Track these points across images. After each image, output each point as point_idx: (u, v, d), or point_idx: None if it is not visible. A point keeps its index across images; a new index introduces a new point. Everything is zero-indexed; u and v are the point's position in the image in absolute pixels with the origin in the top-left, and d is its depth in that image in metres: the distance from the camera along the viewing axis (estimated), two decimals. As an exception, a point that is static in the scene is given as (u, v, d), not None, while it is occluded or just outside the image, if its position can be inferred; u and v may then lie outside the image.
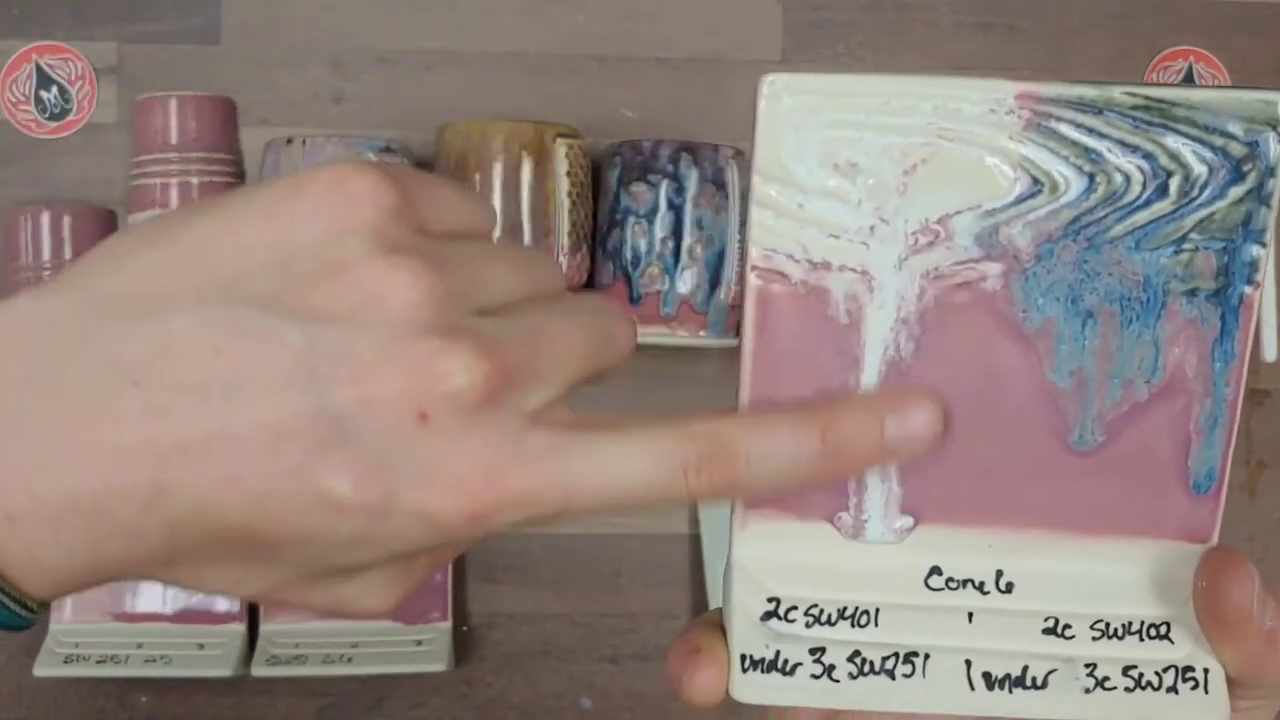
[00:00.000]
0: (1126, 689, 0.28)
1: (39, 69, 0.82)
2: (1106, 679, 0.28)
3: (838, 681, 0.28)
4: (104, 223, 0.81)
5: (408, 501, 0.24)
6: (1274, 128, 0.26)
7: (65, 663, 0.75)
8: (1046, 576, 0.29)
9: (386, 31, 0.84)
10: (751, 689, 0.28)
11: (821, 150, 0.27)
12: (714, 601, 0.81)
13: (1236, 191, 0.27)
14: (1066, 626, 0.28)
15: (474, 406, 0.24)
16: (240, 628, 0.78)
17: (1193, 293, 0.27)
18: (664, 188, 0.77)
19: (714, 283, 0.77)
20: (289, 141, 0.75)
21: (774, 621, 0.29)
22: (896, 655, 0.28)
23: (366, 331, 0.24)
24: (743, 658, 0.28)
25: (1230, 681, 0.28)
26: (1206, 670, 0.28)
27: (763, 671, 0.28)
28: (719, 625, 0.30)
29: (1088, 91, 0.27)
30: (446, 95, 0.84)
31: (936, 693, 0.28)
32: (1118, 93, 0.27)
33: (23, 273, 0.79)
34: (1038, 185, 0.27)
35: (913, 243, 0.28)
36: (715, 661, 0.29)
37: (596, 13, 0.86)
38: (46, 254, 0.79)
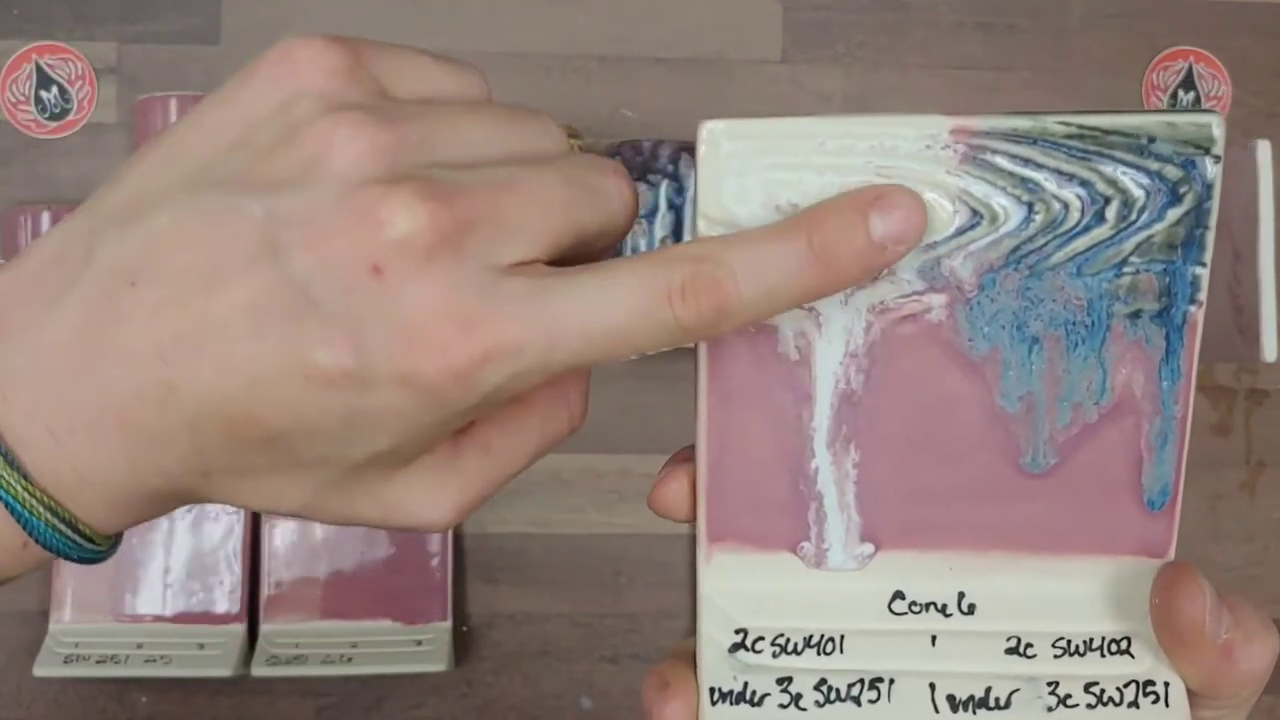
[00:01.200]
0: (1088, 705, 0.28)
1: (39, 69, 0.83)
2: (1069, 696, 0.28)
3: (804, 710, 0.28)
4: (104, 223, 0.81)
5: (384, 364, 0.24)
6: (1208, 150, 0.26)
7: (65, 663, 0.75)
8: (1008, 597, 0.29)
9: (386, 31, 0.84)
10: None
11: (763, 192, 0.27)
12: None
13: (1174, 213, 0.27)
14: (1029, 645, 0.29)
15: (425, 252, 0.23)
16: (240, 628, 0.78)
17: (1136, 314, 0.28)
18: (664, 188, 0.77)
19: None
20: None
21: (741, 652, 0.29)
22: (862, 681, 0.28)
23: (316, 190, 0.24)
24: (711, 690, 0.29)
25: (1190, 694, 0.28)
26: (1167, 684, 0.28)
27: (731, 703, 0.29)
28: (690, 657, 0.30)
29: (1021, 123, 0.27)
30: (446, 95, 0.84)
31: (901, 717, 0.28)
32: (1051, 123, 0.27)
33: (23, 273, 0.79)
34: (977, 217, 0.27)
35: None
36: (685, 694, 0.29)
37: (596, 13, 0.86)
38: (46, 254, 0.79)
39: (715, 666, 0.29)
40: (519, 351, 0.24)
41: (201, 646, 0.76)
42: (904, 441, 0.29)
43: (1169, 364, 0.28)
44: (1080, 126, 0.27)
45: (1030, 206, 0.27)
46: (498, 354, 0.24)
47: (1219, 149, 0.27)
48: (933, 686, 0.28)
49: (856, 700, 0.28)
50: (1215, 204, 0.27)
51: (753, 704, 0.28)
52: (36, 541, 0.25)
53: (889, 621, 0.29)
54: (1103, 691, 0.28)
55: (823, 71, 0.87)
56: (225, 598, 0.78)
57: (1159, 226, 0.27)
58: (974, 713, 0.28)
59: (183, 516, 0.80)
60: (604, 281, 0.25)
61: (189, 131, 0.26)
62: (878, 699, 0.28)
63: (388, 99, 0.26)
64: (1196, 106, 0.25)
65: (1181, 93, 0.90)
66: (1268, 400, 0.89)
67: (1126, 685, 0.28)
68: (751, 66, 0.87)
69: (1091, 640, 0.29)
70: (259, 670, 0.76)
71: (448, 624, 0.79)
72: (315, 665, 0.76)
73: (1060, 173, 0.27)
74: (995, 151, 0.27)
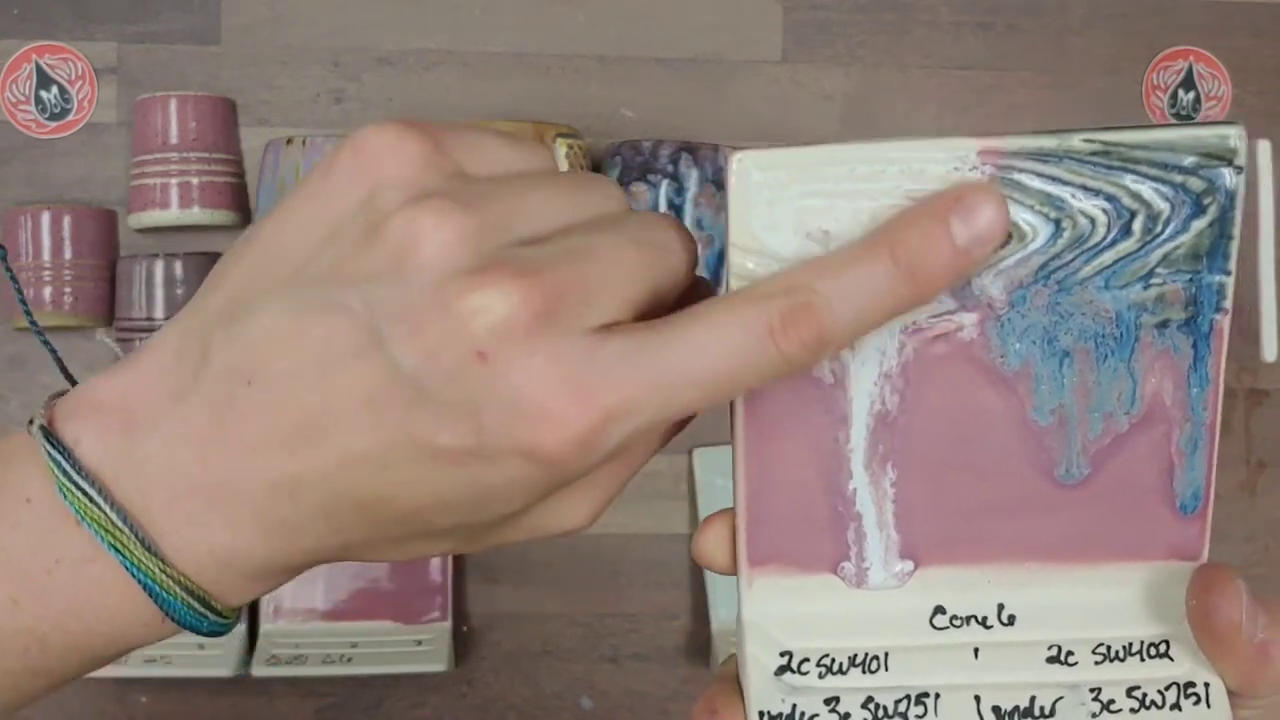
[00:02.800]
0: (1131, 710, 0.28)
1: (39, 69, 0.83)
2: (1111, 702, 0.28)
3: None
4: (104, 223, 0.81)
5: (505, 441, 0.24)
6: (1229, 161, 0.27)
7: (65, 663, 0.75)
8: (1047, 607, 0.30)
9: (386, 31, 0.84)
10: None
11: (794, 221, 0.28)
12: (714, 601, 0.81)
13: (1199, 224, 0.27)
14: (1069, 654, 0.29)
15: (525, 331, 0.24)
16: (240, 628, 0.78)
17: (1164, 324, 0.28)
18: (664, 188, 0.77)
19: (714, 283, 0.77)
20: (289, 141, 0.75)
21: (788, 675, 0.29)
22: (909, 697, 0.29)
23: (409, 282, 0.24)
24: (761, 714, 0.29)
25: (1229, 693, 0.28)
26: (1207, 685, 0.28)
27: None
28: (735, 682, 0.30)
29: (1047, 142, 0.27)
30: (446, 95, 0.84)
31: None
32: (1076, 141, 0.27)
33: (23, 273, 0.79)
34: (1006, 235, 0.28)
35: None
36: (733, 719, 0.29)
37: (596, 13, 0.86)
38: (46, 254, 0.79)
39: (762, 690, 0.29)
40: (635, 411, 0.24)
41: (201, 646, 0.76)
42: (940, 458, 0.29)
43: (1197, 371, 0.28)
44: (1104, 143, 0.27)
45: (1058, 223, 0.28)
46: (616, 416, 0.24)
47: (1240, 159, 0.27)
48: (978, 699, 0.29)
49: (904, 716, 0.29)
50: (1238, 213, 0.27)
51: None
52: (172, 620, 0.27)
53: (931, 636, 0.30)
54: (1144, 695, 0.28)
55: (823, 71, 0.87)
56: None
57: (1184, 238, 0.28)
58: (1027, 716, 0.28)
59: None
60: (704, 329, 0.25)
61: (278, 231, 0.27)
62: (925, 713, 0.28)
63: (463, 179, 0.26)
64: (1214, 118, 0.26)
65: (1181, 93, 0.90)
66: (1268, 400, 0.89)
67: (1168, 688, 0.28)
68: (751, 66, 0.87)
69: (1131, 645, 0.29)
70: (259, 670, 0.75)
71: (448, 624, 0.79)
72: (315, 665, 0.76)
73: (1086, 189, 0.27)
74: (1022, 170, 0.27)
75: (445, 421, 0.24)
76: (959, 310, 0.28)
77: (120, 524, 0.26)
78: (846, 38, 0.88)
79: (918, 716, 0.28)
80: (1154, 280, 0.28)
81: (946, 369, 0.29)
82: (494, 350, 0.24)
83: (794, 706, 0.29)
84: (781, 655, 0.30)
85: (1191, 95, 0.90)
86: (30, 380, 0.82)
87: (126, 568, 0.26)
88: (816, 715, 0.29)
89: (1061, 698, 0.28)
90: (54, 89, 0.83)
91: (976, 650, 0.29)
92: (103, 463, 0.26)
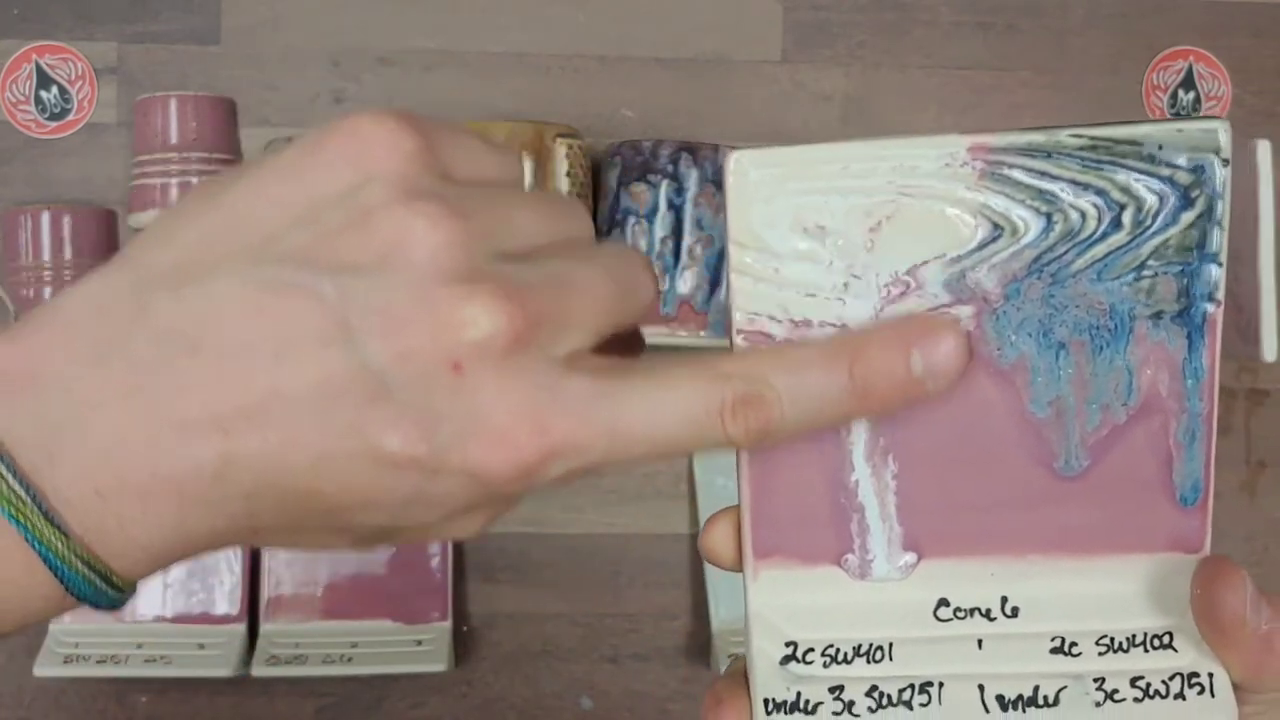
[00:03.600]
0: (1135, 699, 0.28)
1: (39, 69, 0.83)
2: (1115, 691, 0.28)
3: (858, 716, 0.29)
4: (104, 223, 0.81)
5: (455, 456, 0.24)
6: (1217, 153, 0.27)
7: (65, 663, 0.75)
8: (1050, 598, 0.30)
9: (386, 31, 0.84)
10: None
11: (791, 217, 0.29)
12: (714, 601, 0.81)
13: (1188, 217, 0.28)
14: (1073, 645, 0.29)
15: (503, 352, 0.24)
16: (240, 628, 0.78)
17: (1158, 315, 0.28)
18: (664, 188, 0.77)
19: (714, 283, 0.77)
20: (289, 141, 0.75)
21: (793, 664, 0.30)
22: (913, 686, 0.29)
23: (393, 280, 0.24)
24: (765, 701, 0.29)
25: (1234, 686, 0.28)
26: (1211, 675, 0.28)
27: (785, 713, 0.29)
28: (742, 675, 0.30)
29: (1036, 138, 0.28)
30: (446, 95, 0.85)
31: (954, 719, 0.29)
32: (1064, 136, 0.28)
33: (23, 272, 0.79)
34: (998, 230, 0.28)
35: (886, 294, 0.29)
36: (738, 708, 0.30)
37: (596, 13, 0.86)
38: (46, 254, 0.79)
39: (767, 679, 0.29)
40: (583, 452, 0.25)
41: (201, 646, 0.76)
42: (940, 451, 0.30)
43: (1191, 362, 0.28)
44: (1092, 138, 0.28)
45: (1049, 217, 0.28)
46: (563, 454, 0.25)
47: (1226, 152, 0.27)
48: (981, 688, 0.29)
49: (909, 705, 0.29)
50: (1226, 205, 0.28)
51: (807, 713, 0.29)
52: (71, 594, 0.26)
53: (935, 628, 0.30)
54: (1149, 685, 0.28)
55: (823, 71, 0.87)
56: (225, 598, 0.78)
57: (1173, 230, 0.28)
58: (1024, 711, 0.28)
59: (183, 516, 0.80)
60: (663, 392, 0.26)
61: (249, 199, 0.26)
62: (929, 703, 0.29)
63: (452, 184, 0.26)
64: (1202, 113, 0.27)
65: (1181, 92, 0.90)
66: (1268, 400, 0.89)
67: (1172, 678, 0.28)
68: (751, 66, 0.87)
69: (1134, 636, 0.29)
70: (259, 670, 0.76)
71: (448, 624, 0.79)
72: (315, 665, 0.76)
73: (1075, 183, 0.28)
74: (1012, 166, 0.28)
75: (400, 425, 0.24)
76: (955, 304, 0.29)
77: (22, 494, 0.24)
78: (846, 38, 0.88)
79: (921, 705, 0.29)
80: (1145, 272, 0.28)
81: None
82: (469, 365, 0.24)
83: (799, 694, 0.29)
84: (787, 645, 0.30)
85: (1191, 95, 0.90)
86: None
87: (27, 539, 0.24)
88: (821, 703, 0.29)
89: (1065, 687, 0.29)
90: (54, 89, 0.83)
91: (980, 641, 0.30)
92: (8, 428, 0.24)
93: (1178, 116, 0.27)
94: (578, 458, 0.25)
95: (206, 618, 0.78)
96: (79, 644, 0.76)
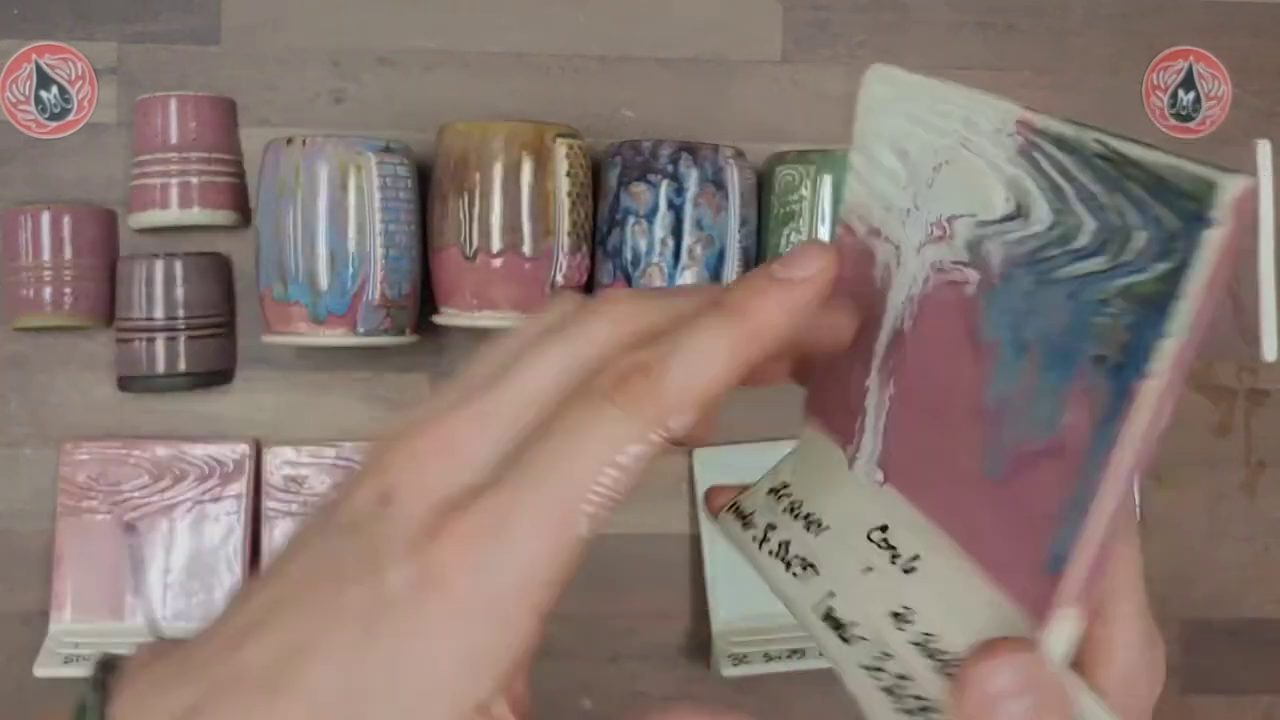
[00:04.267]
0: (887, 690, 0.28)
1: (39, 69, 0.83)
2: (900, 683, 0.28)
3: (759, 548, 0.34)
4: (104, 223, 0.81)
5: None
6: (1206, 210, 0.23)
7: (65, 663, 0.75)
8: (937, 579, 0.29)
9: (386, 31, 0.84)
10: (723, 525, 0.36)
11: (891, 135, 0.31)
12: (714, 601, 0.81)
13: (1160, 268, 0.24)
14: (909, 623, 0.29)
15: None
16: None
17: (1100, 360, 0.25)
18: (664, 188, 0.77)
19: (714, 282, 0.77)
20: (289, 141, 0.75)
21: (773, 498, 0.35)
22: (803, 561, 0.32)
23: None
24: (734, 505, 0.36)
25: None
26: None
27: (739, 517, 0.36)
28: (743, 488, 0.37)
29: (1067, 131, 0.26)
30: (446, 95, 0.84)
31: (798, 594, 0.32)
32: (1089, 138, 0.26)
33: (23, 272, 0.79)
34: (1019, 210, 0.28)
35: (929, 233, 0.30)
36: (726, 495, 0.37)
37: (596, 13, 0.86)
38: (46, 254, 0.79)
39: (753, 496, 0.36)
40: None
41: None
42: (921, 395, 0.30)
43: (1106, 427, 0.25)
44: (1109, 149, 0.25)
45: (1057, 214, 0.27)
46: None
47: (1217, 212, 0.23)
48: (831, 594, 0.31)
49: (787, 565, 0.33)
50: (1198, 273, 0.23)
51: (745, 526, 0.35)
52: None
53: (859, 541, 0.32)
54: (905, 692, 0.27)
55: (823, 71, 0.87)
56: (225, 598, 0.78)
57: (1143, 277, 0.24)
58: (834, 630, 0.30)
59: (182, 517, 0.80)
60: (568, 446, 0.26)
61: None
62: (796, 577, 0.32)
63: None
64: (1221, 165, 0.23)
65: (1181, 92, 0.90)
66: (1268, 400, 0.89)
67: (920, 700, 0.27)
68: (751, 66, 0.87)
69: (941, 652, 0.28)
70: (259, 670, 0.75)
71: (448, 624, 0.79)
72: (315, 665, 0.76)
73: (1085, 190, 0.26)
74: (1043, 152, 0.27)
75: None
76: (970, 265, 0.29)
77: None
78: (846, 38, 0.88)
79: (793, 575, 0.32)
80: (1109, 309, 0.25)
81: (947, 315, 0.29)
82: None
83: (753, 513, 0.35)
84: (780, 484, 0.35)
85: (1191, 95, 0.90)
86: (30, 380, 0.82)
87: None
88: (755, 526, 0.35)
89: (866, 641, 0.29)
90: (54, 89, 0.83)
91: (870, 569, 0.31)
92: None
93: (1201, 161, 0.23)
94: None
95: (206, 618, 0.78)
96: (79, 644, 0.76)
